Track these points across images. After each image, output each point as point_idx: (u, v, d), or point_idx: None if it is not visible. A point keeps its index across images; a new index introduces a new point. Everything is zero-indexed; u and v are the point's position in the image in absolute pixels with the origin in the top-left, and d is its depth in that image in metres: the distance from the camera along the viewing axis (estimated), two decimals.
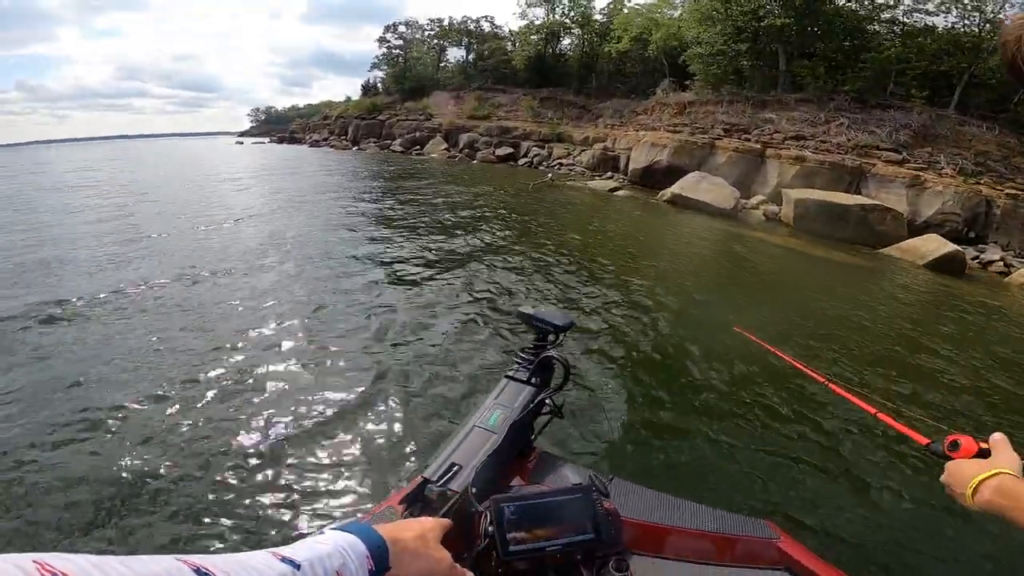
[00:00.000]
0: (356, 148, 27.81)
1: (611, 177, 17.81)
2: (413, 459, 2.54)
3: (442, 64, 33.65)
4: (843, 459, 2.73)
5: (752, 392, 3.32)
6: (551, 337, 1.25)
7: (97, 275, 5.27)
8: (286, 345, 3.72)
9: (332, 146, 29.85)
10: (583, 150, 20.52)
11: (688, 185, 12.88)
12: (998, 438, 0.72)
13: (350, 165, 21.07)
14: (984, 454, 0.71)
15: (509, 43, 32.28)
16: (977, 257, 8.40)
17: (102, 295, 4.60)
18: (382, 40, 34.77)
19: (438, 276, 5.58)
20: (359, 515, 0.89)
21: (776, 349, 1.55)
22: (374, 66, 35.32)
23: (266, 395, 3.04)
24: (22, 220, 8.65)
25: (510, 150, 22.80)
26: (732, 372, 3.55)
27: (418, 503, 0.84)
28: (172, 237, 7.19)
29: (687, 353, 3.87)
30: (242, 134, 60.86)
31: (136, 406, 2.87)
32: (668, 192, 13.10)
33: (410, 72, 31.30)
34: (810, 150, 11.87)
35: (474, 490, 0.82)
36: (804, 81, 16.37)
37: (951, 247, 7.57)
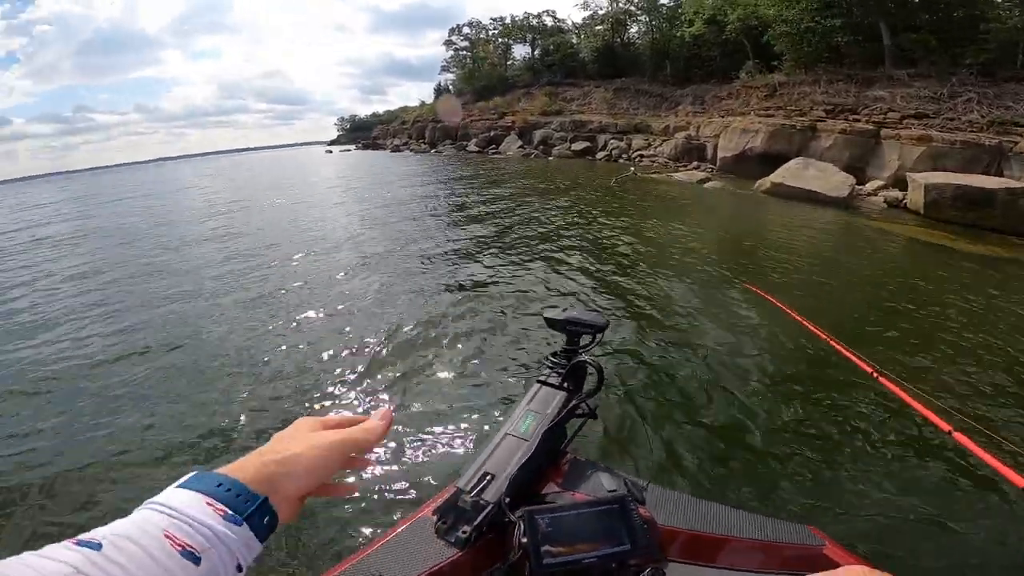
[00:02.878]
0: (434, 151, 28.69)
1: (697, 167, 17.26)
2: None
3: (509, 62, 33.89)
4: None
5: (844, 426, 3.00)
6: (585, 339, 1.21)
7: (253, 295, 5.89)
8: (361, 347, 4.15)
9: (412, 150, 31.03)
10: (664, 140, 20.00)
11: (791, 172, 12.26)
12: None
13: (430, 169, 21.65)
14: None
15: (574, 36, 31.96)
16: None
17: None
18: (448, 43, 35.70)
19: (526, 285, 5.58)
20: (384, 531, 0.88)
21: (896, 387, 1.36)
22: (443, 69, 36.40)
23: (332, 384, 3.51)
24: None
25: (587, 144, 22.65)
26: (824, 400, 3.24)
27: (451, 512, 0.83)
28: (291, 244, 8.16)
29: (785, 376, 3.54)
30: (331, 142, 65.13)
31: None
32: (767, 181, 12.50)
33: (478, 72, 31.81)
34: (936, 129, 10.95)
35: (507, 500, 0.82)
36: (915, 55, 15.08)
37: None
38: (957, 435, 1.02)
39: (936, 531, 2.27)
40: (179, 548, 0.35)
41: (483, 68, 32.06)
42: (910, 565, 2.10)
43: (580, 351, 1.20)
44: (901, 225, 8.74)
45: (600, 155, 21.73)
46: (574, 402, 1.10)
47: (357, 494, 2.39)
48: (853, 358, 1.60)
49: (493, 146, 26.21)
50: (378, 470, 2.60)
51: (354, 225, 9.95)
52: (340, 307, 5.08)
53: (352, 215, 11.40)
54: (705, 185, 14.46)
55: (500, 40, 34.26)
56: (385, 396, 3.39)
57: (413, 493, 2.45)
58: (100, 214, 16.75)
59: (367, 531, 2.26)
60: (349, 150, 44.66)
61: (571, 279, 5.74)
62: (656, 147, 20.05)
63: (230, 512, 0.39)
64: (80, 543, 0.33)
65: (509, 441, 0.97)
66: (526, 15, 34.14)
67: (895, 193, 10.38)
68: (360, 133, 50.31)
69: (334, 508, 2.35)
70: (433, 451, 2.80)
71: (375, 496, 2.45)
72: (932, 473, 2.61)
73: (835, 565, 0.84)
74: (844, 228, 8.86)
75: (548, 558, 0.72)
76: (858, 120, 13.20)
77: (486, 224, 9.12)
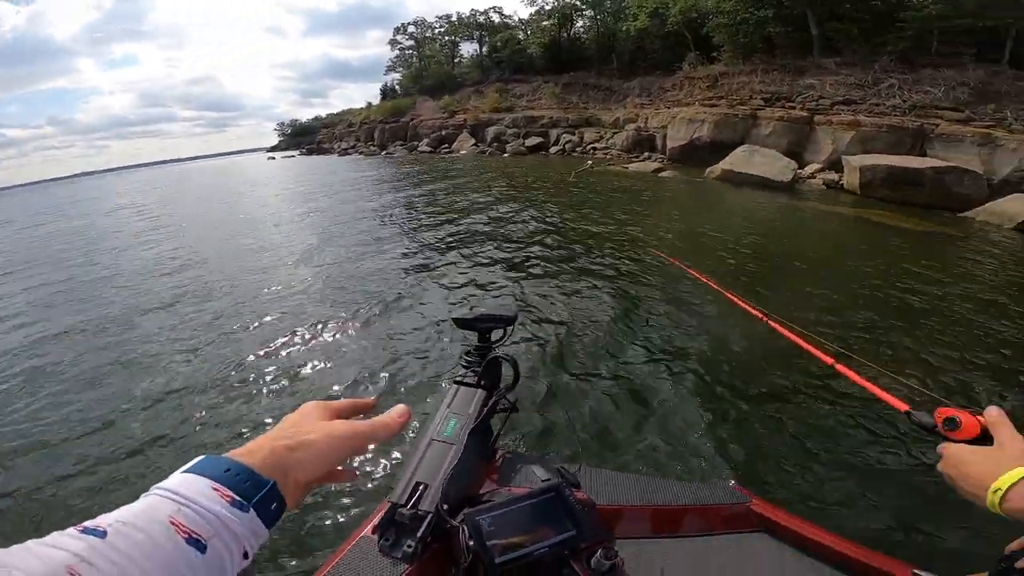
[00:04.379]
0: (384, 153, 28.20)
1: (648, 158, 17.85)
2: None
3: (456, 60, 33.73)
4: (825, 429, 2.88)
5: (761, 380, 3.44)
6: (496, 334, 1.21)
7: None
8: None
9: (361, 152, 30.32)
10: (615, 132, 20.55)
11: (738, 159, 12.91)
12: (995, 414, 0.65)
13: (382, 171, 21.30)
14: (986, 436, 0.64)
15: (521, 32, 32.21)
16: None
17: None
18: (394, 43, 35.25)
19: (501, 284, 5.58)
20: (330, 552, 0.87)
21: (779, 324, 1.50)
22: (389, 69, 35.87)
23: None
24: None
25: (540, 139, 22.92)
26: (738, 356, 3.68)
27: (392, 528, 0.81)
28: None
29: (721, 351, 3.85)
30: (271, 149, 61.50)
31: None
32: (717, 169, 13.12)
33: (426, 71, 31.49)
34: (863, 114, 11.84)
35: (445, 507, 0.81)
36: (839, 44, 16.16)
37: None
38: (840, 366, 1.10)
39: (832, 466, 2.58)
40: (184, 535, 0.34)
41: (430, 67, 31.79)
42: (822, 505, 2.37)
43: (493, 347, 1.19)
44: (843, 206, 9.44)
45: (553, 150, 22.06)
46: (494, 398, 1.10)
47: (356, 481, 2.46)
48: (747, 307, 1.76)
49: (445, 145, 26.08)
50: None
51: (307, 241, 9.00)
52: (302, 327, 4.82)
53: (305, 231, 10.35)
54: (660, 175, 14.95)
55: (447, 38, 34.11)
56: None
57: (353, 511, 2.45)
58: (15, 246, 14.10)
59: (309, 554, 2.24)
60: (292, 156, 42.87)
61: (535, 277, 5.81)
62: (608, 140, 20.57)
63: (237, 498, 0.38)
64: (85, 531, 0.32)
65: (436, 447, 0.95)
66: (473, 12, 34.16)
67: (832, 175, 11.17)
68: (303, 138, 48.19)
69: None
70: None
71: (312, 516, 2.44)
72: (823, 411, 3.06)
73: (763, 519, 0.94)
74: (788, 209, 9.46)
75: (499, 556, 0.73)
76: (793, 107, 14.06)
77: (452, 226, 9.07)
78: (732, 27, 19.06)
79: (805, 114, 13.39)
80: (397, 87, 35.16)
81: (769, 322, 1.55)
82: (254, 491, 0.39)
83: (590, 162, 18.32)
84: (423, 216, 10.59)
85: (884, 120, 11.18)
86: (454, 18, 34.44)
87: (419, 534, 0.78)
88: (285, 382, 3.77)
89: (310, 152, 40.76)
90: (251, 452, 0.42)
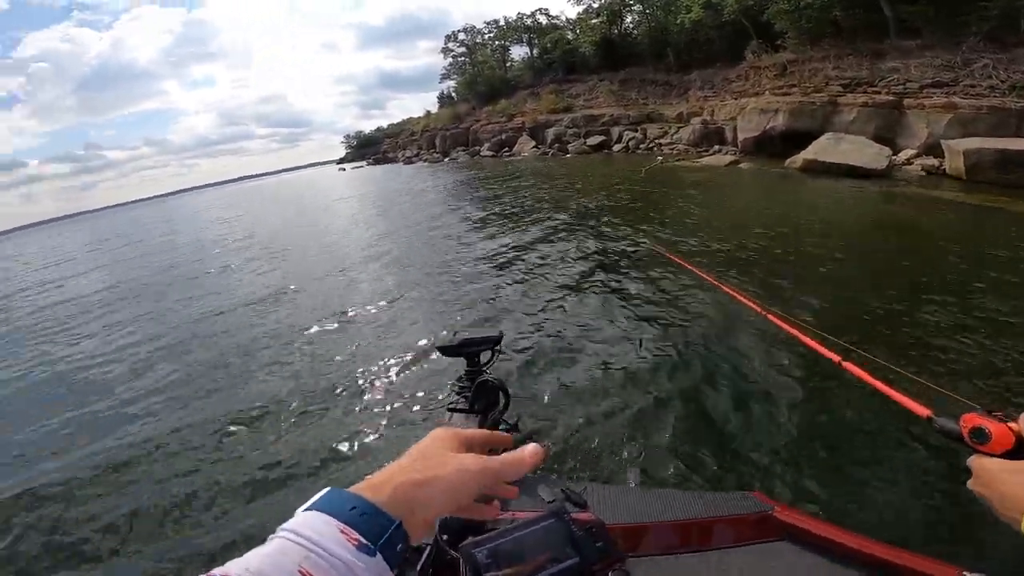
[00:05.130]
0: (447, 159, 29.34)
1: (719, 151, 18.02)
2: None
3: (508, 64, 34.52)
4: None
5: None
6: (484, 356, 1.20)
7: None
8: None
9: (425, 160, 31.65)
10: (680, 127, 20.75)
11: (823, 148, 12.99)
12: None
13: (451, 177, 22.14)
14: (1021, 447, 0.57)
15: (569, 32, 32.63)
16: None
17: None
18: (446, 51, 36.39)
19: (592, 298, 5.45)
20: None
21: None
22: (444, 77, 37.08)
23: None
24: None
25: (601, 138, 23.37)
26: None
27: None
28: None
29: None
30: (340, 161, 65.45)
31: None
32: (799, 159, 13.20)
33: (480, 77, 32.43)
34: (958, 96, 11.78)
35: (444, 537, 0.80)
36: (916, 25, 15.86)
37: None
38: (847, 364, 1.06)
39: (846, 468, 2.55)
40: None
41: (483, 73, 32.72)
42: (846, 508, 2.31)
43: (483, 370, 1.19)
44: (945, 191, 9.42)
45: (617, 148, 22.44)
46: (490, 422, 1.09)
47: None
48: (746, 301, 1.82)
49: (506, 149, 26.91)
50: None
51: (391, 250, 9.77)
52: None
53: (389, 239, 10.95)
54: (737, 167, 15.12)
55: (497, 43, 34.95)
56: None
57: None
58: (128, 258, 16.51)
59: None
60: (361, 166, 45.14)
61: (621, 290, 5.62)
62: (673, 135, 20.79)
63: (364, 541, 0.36)
64: None
65: None
66: (520, 15, 34.85)
67: (931, 160, 11.19)
68: (368, 148, 50.71)
69: None
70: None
71: None
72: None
73: (787, 527, 0.88)
74: (890, 197, 9.50)
75: None
76: (877, 92, 14.00)
77: (536, 230, 9.18)
78: (794, 12, 18.91)
79: (892, 98, 13.33)
80: (453, 94, 36.37)
81: (768, 316, 1.51)
82: (380, 532, 0.37)
83: (660, 158, 18.48)
84: (503, 217, 11.17)
85: (983, 101, 11.11)
86: (502, 23, 35.30)
87: (419, 567, 0.77)
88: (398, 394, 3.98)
89: (377, 162, 42.78)
90: (376, 488, 0.40)
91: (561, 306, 5.35)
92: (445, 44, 36.39)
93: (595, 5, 30.36)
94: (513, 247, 8.15)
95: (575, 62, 29.53)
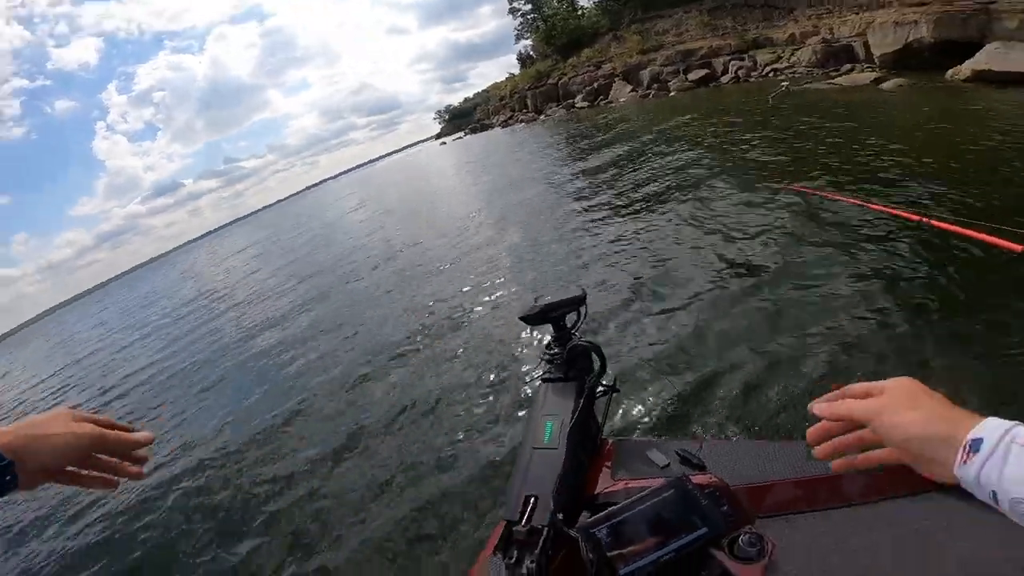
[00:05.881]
0: (543, 116, 29.75)
1: (852, 69, 18.16)
2: None
3: (580, 12, 33.74)
4: None
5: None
6: (571, 319, 1.16)
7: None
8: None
9: (521, 121, 32.00)
10: (795, 49, 20.85)
11: (994, 56, 13.18)
12: None
13: (552, 134, 21.82)
14: None
15: None
16: None
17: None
18: (513, 11, 35.60)
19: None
20: None
21: None
22: (517, 37, 36.52)
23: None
24: None
25: (704, 71, 23.09)
26: None
27: (512, 548, 0.80)
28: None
29: None
30: (438, 136, 68.18)
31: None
32: (964, 70, 13.13)
33: (555, 30, 31.96)
34: None
35: (560, 516, 0.80)
36: None
37: None
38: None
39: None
40: None
41: (557, 25, 32.24)
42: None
43: (572, 333, 1.16)
44: None
45: (725, 79, 22.00)
46: (587, 387, 1.06)
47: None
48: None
49: (602, 96, 26.97)
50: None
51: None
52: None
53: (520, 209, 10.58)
54: (882, 85, 14.68)
55: None
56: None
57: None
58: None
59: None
60: (460, 137, 45.83)
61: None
62: (789, 58, 20.83)
63: None
64: None
65: (538, 456, 0.93)
66: None
67: None
68: (462, 120, 52.13)
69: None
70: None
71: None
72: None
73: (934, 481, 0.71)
74: None
75: (623, 567, 0.69)
76: None
77: (663, 174, 8.62)
78: None
79: None
80: (532, 53, 36.02)
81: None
82: None
83: (785, 83, 17.79)
84: (627, 161, 10.98)
85: None
86: None
87: (538, 550, 0.78)
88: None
89: (473, 131, 43.01)
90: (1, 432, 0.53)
91: (695, 246, 5.09)
92: (510, 4, 35.99)
93: None
94: (649, 195, 7.62)
95: None
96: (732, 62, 22.47)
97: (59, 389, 12.35)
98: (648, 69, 25.56)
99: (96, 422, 0.60)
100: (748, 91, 18.55)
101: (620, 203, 7.79)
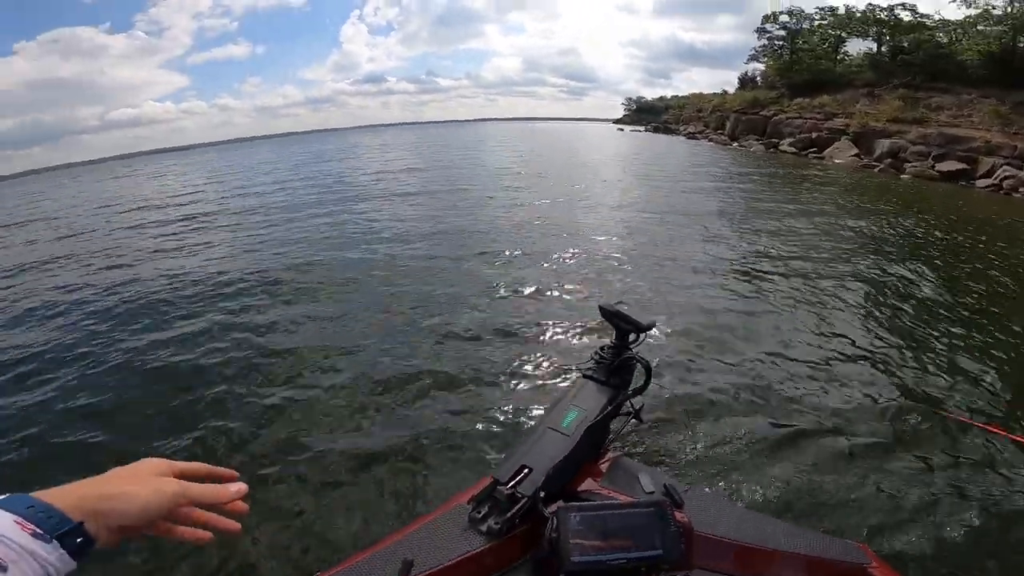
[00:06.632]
0: (736, 144, 26.56)
1: None
2: None
3: (839, 57, 29.41)
4: None
5: None
6: (632, 336, 1.20)
7: None
8: None
9: (709, 140, 29.34)
10: None
11: None
12: None
13: (741, 167, 19.63)
14: None
15: (941, 34, 26.21)
16: None
17: None
18: (761, 31, 32.46)
19: None
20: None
21: None
22: (752, 58, 33.32)
23: None
24: None
25: (961, 166, 18.21)
26: None
27: (487, 503, 0.84)
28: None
29: None
30: (617, 121, 66.63)
31: None
32: None
33: (799, 65, 28.24)
34: None
35: (543, 494, 0.82)
36: None
37: None
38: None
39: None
40: None
41: (804, 61, 28.32)
42: None
43: (630, 347, 1.21)
44: None
45: (983, 183, 17.09)
46: (620, 399, 1.12)
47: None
48: None
49: (814, 149, 22.80)
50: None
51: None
52: None
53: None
54: None
55: (830, 32, 29.92)
56: None
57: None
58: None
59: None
60: (639, 131, 44.65)
61: None
62: None
63: (39, 531, 0.42)
64: None
65: (550, 435, 0.97)
66: (870, 7, 29.05)
67: None
68: (647, 115, 51.13)
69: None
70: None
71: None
72: None
73: None
74: None
75: (576, 555, 0.72)
76: None
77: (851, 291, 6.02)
78: None
79: None
80: (758, 77, 32.69)
81: None
82: (56, 526, 0.43)
83: None
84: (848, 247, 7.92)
85: None
86: (840, 10, 29.95)
87: (510, 514, 0.81)
88: None
89: (656, 130, 42.06)
90: (60, 496, 0.46)
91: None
92: (762, 24, 32.16)
93: (996, 11, 23.64)
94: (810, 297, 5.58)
95: (946, 69, 23.31)
96: (1005, 166, 17.27)
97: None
98: (891, 139, 20.79)
99: (185, 473, 0.56)
100: (1009, 206, 13.82)
101: (769, 283, 6.03)
